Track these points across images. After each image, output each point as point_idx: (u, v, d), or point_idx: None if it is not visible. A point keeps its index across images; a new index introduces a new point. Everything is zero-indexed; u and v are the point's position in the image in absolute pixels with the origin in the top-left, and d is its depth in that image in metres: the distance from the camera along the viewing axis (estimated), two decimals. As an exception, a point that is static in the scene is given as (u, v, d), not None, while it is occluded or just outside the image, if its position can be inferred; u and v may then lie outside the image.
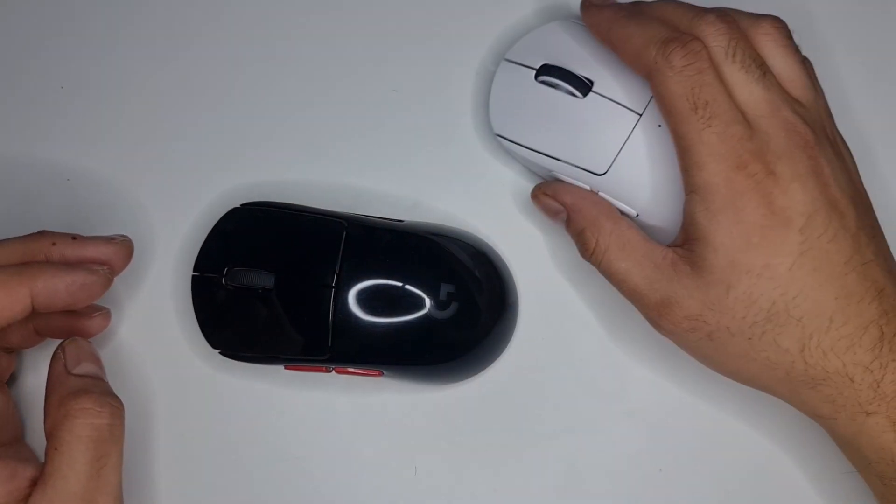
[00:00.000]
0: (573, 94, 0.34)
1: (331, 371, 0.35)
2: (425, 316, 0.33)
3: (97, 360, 0.32)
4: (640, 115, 0.33)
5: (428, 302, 0.33)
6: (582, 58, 0.35)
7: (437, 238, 0.35)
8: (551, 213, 0.35)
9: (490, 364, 0.36)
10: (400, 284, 0.33)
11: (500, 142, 0.36)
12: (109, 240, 0.33)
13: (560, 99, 0.34)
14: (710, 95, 0.30)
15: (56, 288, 0.31)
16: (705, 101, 0.30)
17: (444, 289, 0.33)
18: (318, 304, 0.33)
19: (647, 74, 0.31)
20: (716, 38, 0.31)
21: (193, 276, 0.34)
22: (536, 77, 0.35)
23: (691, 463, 0.36)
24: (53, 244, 0.32)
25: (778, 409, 0.35)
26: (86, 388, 0.30)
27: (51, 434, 0.29)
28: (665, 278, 0.31)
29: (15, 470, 0.29)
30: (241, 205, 0.35)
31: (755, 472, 0.36)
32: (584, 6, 0.35)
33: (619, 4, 0.34)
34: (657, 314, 0.31)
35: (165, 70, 0.39)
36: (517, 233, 0.37)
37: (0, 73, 0.39)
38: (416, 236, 0.35)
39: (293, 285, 0.33)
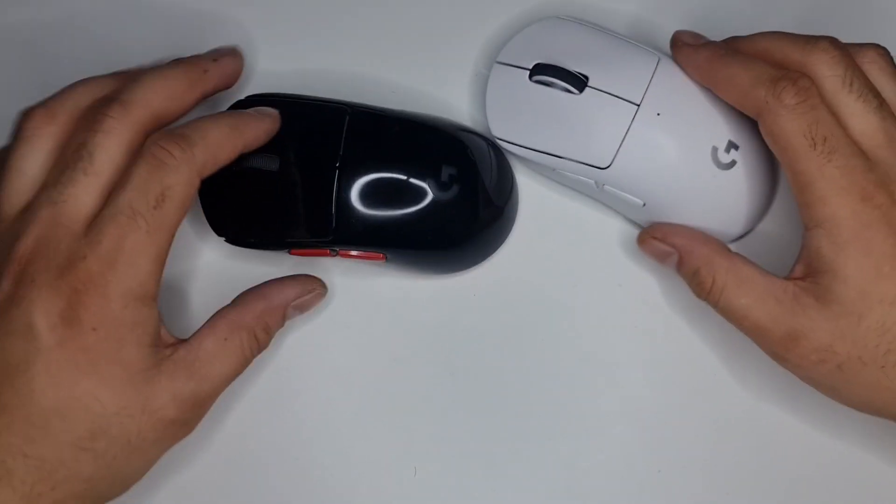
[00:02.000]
0: (569, 91, 0.34)
1: (335, 254, 0.35)
2: (426, 197, 0.34)
3: (303, 313, 0.35)
4: (639, 106, 0.34)
5: (430, 183, 0.34)
6: (574, 54, 0.35)
7: (439, 125, 0.36)
8: (661, 257, 0.34)
9: (490, 254, 0.37)
10: (402, 166, 0.34)
11: (501, 144, 0.36)
12: (234, 56, 0.35)
13: (557, 97, 0.35)
14: (827, 130, 0.30)
15: (259, 137, 0.33)
16: (823, 136, 0.30)
17: (446, 171, 0.34)
18: (322, 186, 0.33)
19: (757, 114, 0.31)
20: (832, 68, 0.31)
21: None
22: (531, 77, 0.35)
23: (690, 464, 0.36)
24: (206, 71, 0.34)
25: (778, 409, 0.36)
26: (272, 331, 0.33)
27: (231, 327, 0.32)
28: (789, 312, 0.31)
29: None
30: (246, 97, 0.35)
31: (755, 472, 0.36)
32: (677, 46, 0.34)
33: (717, 43, 0.34)
34: (783, 349, 0.31)
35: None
36: (526, 232, 0.37)
37: None
38: (419, 122, 0.35)
39: (297, 168, 0.34)
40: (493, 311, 0.37)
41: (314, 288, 0.35)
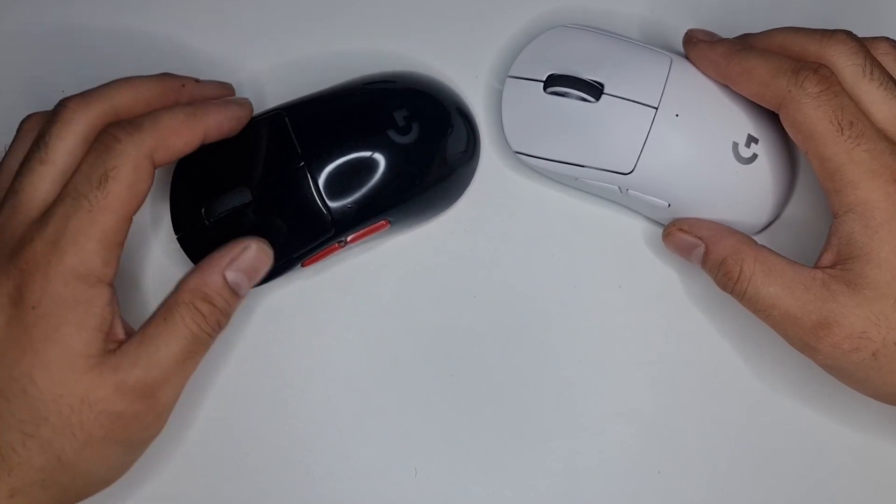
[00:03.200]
0: (586, 100, 0.34)
1: (344, 244, 0.35)
2: (394, 147, 0.34)
3: (252, 275, 0.33)
4: (657, 109, 0.34)
5: (390, 134, 0.34)
6: (586, 62, 0.35)
7: (372, 84, 0.36)
8: (686, 250, 0.34)
9: (471, 177, 0.37)
10: (358, 133, 0.34)
11: (521, 158, 0.36)
12: (222, 85, 0.35)
13: (573, 106, 0.35)
14: (852, 115, 0.30)
15: (222, 123, 0.33)
16: (850, 121, 0.30)
17: (399, 115, 0.34)
18: (301, 191, 0.33)
19: (779, 105, 0.31)
20: (851, 57, 0.31)
21: (178, 237, 0.35)
22: (545, 89, 0.35)
23: (690, 465, 0.36)
24: (183, 86, 0.34)
25: (779, 410, 0.36)
26: (220, 300, 0.32)
27: (171, 306, 0.31)
28: (819, 299, 0.30)
29: (118, 310, 0.31)
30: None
31: (755, 473, 0.36)
32: (691, 43, 0.34)
33: (731, 39, 0.34)
34: (815, 337, 0.30)
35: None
36: (526, 234, 0.38)
37: None
38: (354, 88, 0.36)
39: (269, 187, 0.34)
40: (493, 312, 0.37)
41: (245, 245, 0.33)
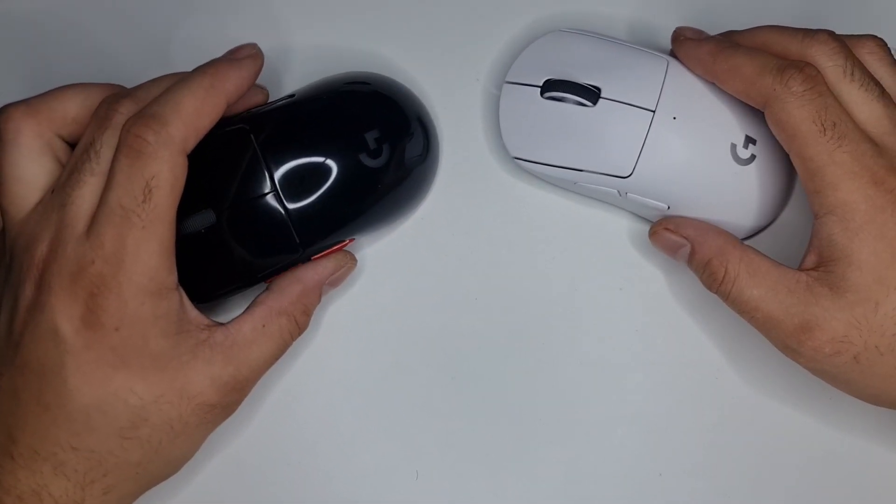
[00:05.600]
0: (583, 105, 0.34)
1: (307, 260, 0.34)
2: (362, 168, 0.33)
3: (335, 284, 0.35)
4: (654, 112, 0.34)
5: (362, 158, 0.33)
6: (582, 66, 0.35)
7: (333, 91, 0.35)
8: (672, 249, 0.35)
9: (435, 163, 0.37)
10: (321, 143, 0.33)
11: (519, 164, 0.36)
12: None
13: (571, 111, 0.35)
14: (835, 116, 0.30)
15: (240, 86, 0.32)
16: (832, 122, 0.30)
17: (370, 137, 0.34)
18: (266, 209, 0.33)
19: (764, 103, 0.31)
20: (832, 58, 0.31)
21: None
22: (542, 94, 0.35)
23: (692, 468, 0.36)
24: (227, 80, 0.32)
25: (781, 412, 0.36)
26: (310, 312, 0.34)
27: (270, 311, 0.32)
28: (802, 302, 0.30)
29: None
30: None
31: (757, 476, 0.36)
32: (678, 41, 0.34)
33: (718, 37, 0.34)
34: (797, 341, 0.30)
35: None
36: (527, 236, 0.37)
37: None
38: (312, 99, 0.34)
39: (234, 207, 0.33)
40: (494, 314, 0.37)
41: (346, 262, 0.35)
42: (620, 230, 0.38)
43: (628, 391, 0.36)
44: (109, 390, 0.29)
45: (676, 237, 0.34)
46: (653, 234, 0.35)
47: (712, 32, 0.35)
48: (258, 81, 0.33)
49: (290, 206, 0.33)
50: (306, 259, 0.34)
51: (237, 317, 0.32)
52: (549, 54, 0.36)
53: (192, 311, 0.31)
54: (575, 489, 0.36)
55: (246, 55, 0.33)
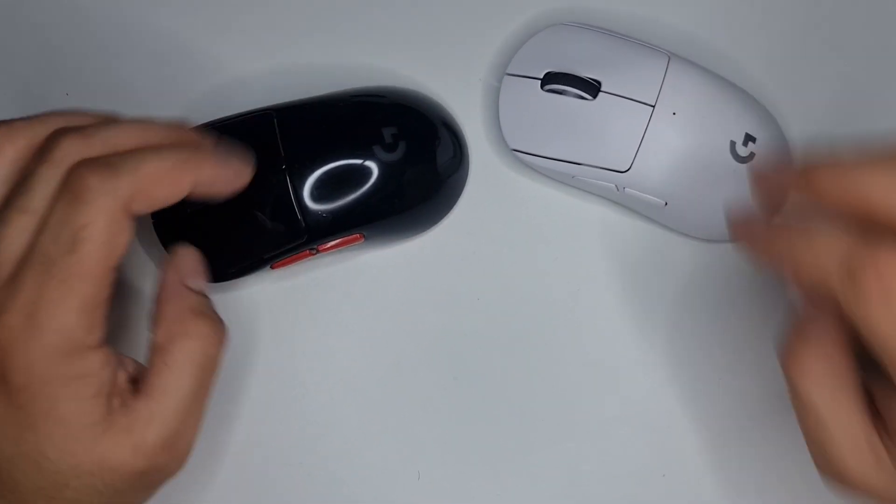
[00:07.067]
0: (583, 98, 0.34)
1: (315, 252, 0.35)
2: (378, 163, 0.34)
3: (204, 274, 0.31)
4: (654, 107, 0.34)
5: (376, 149, 0.34)
6: (583, 60, 0.35)
7: (365, 96, 0.36)
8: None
9: (455, 201, 0.37)
10: (345, 144, 0.34)
11: (518, 156, 0.36)
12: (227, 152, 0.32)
13: (570, 104, 0.35)
14: None
15: (215, 180, 0.30)
16: None
17: (387, 132, 0.34)
18: (279, 194, 0.33)
19: (836, 303, 0.25)
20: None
21: (153, 223, 0.34)
22: (542, 87, 0.35)
23: (694, 468, 0.36)
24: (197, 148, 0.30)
25: (783, 413, 0.35)
26: (203, 310, 0.30)
27: (163, 347, 0.29)
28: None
29: (120, 361, 0.28)
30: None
31: (760, 476, 0.36)
32: (733, 225, 0.30)
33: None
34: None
35: None
36: (528, 237, 0.37)
37: None
38: (346, 100, 0.35)
39: (249, 185, 0.32)
40: (496, 315, 0.37)
41: (174, 253, 0.31)
42: (625, 228, 0.37)
43: (631, 391, 0.36)
44: (22, 451, 0.27)
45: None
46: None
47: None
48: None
49: (300, 191, 0.33)
50: (312, 249, 0.34)
51: (145, 372, 0.29)
52: (551, 47, 0.36)
53: (120, 369, 0.28)
54: (576, 490, 0.36)
55: (237, 155, 0.31)
